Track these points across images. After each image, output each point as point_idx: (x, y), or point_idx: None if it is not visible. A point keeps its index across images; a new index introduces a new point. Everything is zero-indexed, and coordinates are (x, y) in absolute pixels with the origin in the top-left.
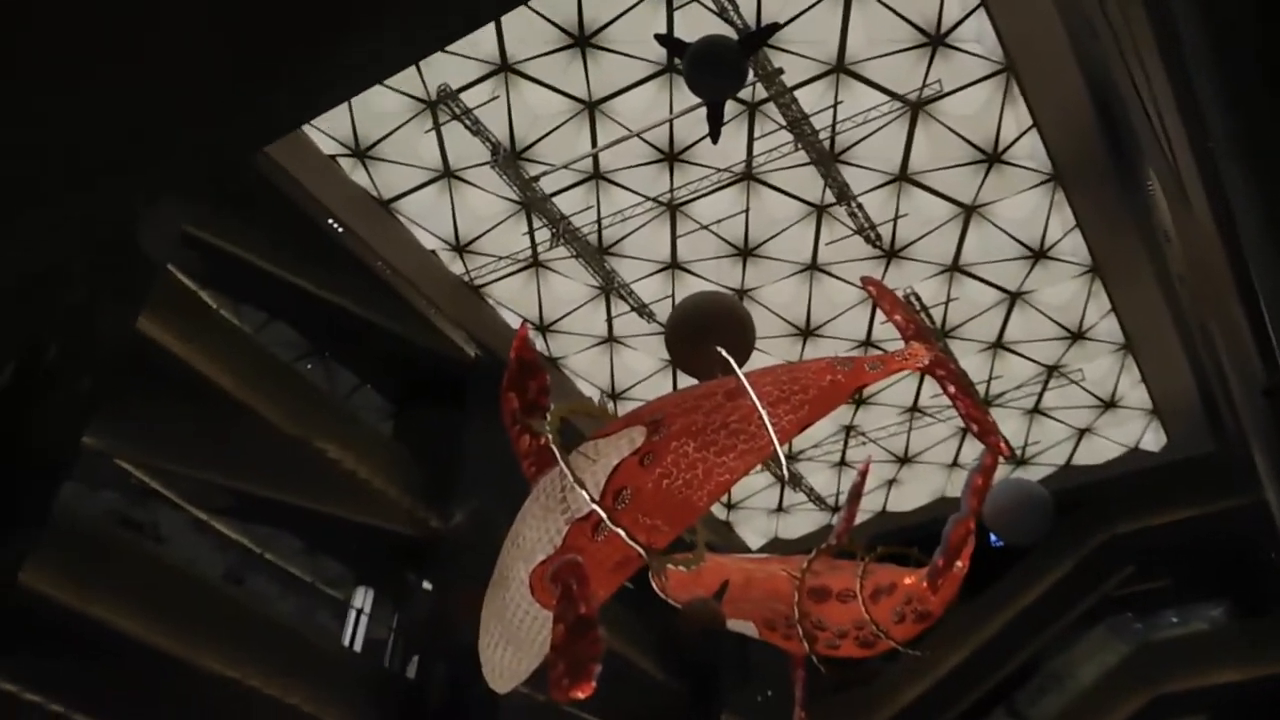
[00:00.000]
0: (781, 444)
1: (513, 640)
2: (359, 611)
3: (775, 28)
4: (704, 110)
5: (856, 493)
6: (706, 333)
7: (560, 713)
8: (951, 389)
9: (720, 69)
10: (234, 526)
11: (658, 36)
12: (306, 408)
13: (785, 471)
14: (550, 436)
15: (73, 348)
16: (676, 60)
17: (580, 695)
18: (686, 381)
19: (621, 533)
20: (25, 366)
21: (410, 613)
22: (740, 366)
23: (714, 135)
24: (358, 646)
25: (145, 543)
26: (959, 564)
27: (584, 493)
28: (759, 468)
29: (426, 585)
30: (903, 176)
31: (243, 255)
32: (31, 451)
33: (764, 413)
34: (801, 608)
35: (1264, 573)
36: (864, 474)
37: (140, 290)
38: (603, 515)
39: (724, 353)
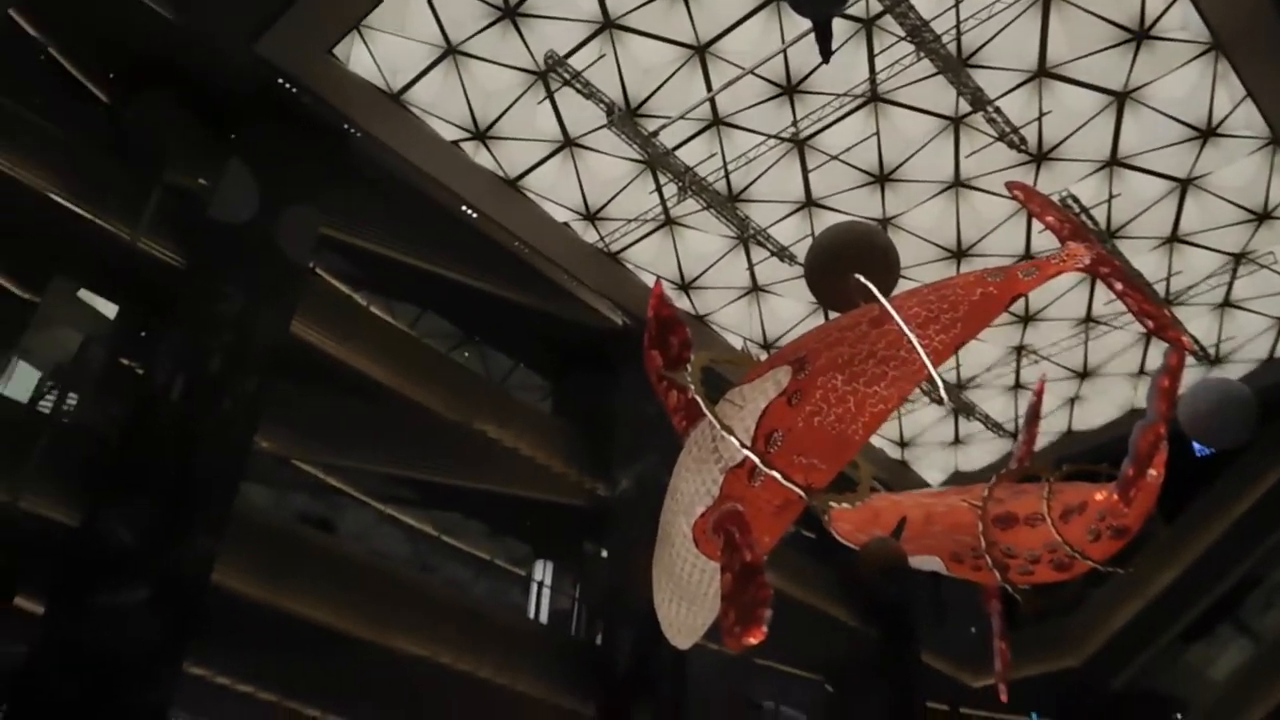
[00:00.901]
0: (936, 366)
1: (685, 595)
2: (540, 584)
3: None
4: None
5: (1034, 412)
6: (844, 263)
7: (752, 665)
8: (1119, 286)
9: None
10: (418, 516)
11: None
12: (463, 392)
13: (944, 395)
14: (693, 386)
15: (234, 355)
16: None
17: (752, 641)
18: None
19: (777, 475)
20: (193, 377)
21: (590, 581)
22: (886, 293)
23: (825, 55)
24: (543, 618)
25: (328, 537)
26: (1152, 473)
27: (733, 439)
28: (926, 399)
29: (603, 553)
30: (1041, 72)
31: (384, 252)
32: (208, 456)
33: (910, 334)
34: (987, 536)
35: None
36: (1039, 392)
37: (289, 293)
38: (755, 459)
39: (861, 278)
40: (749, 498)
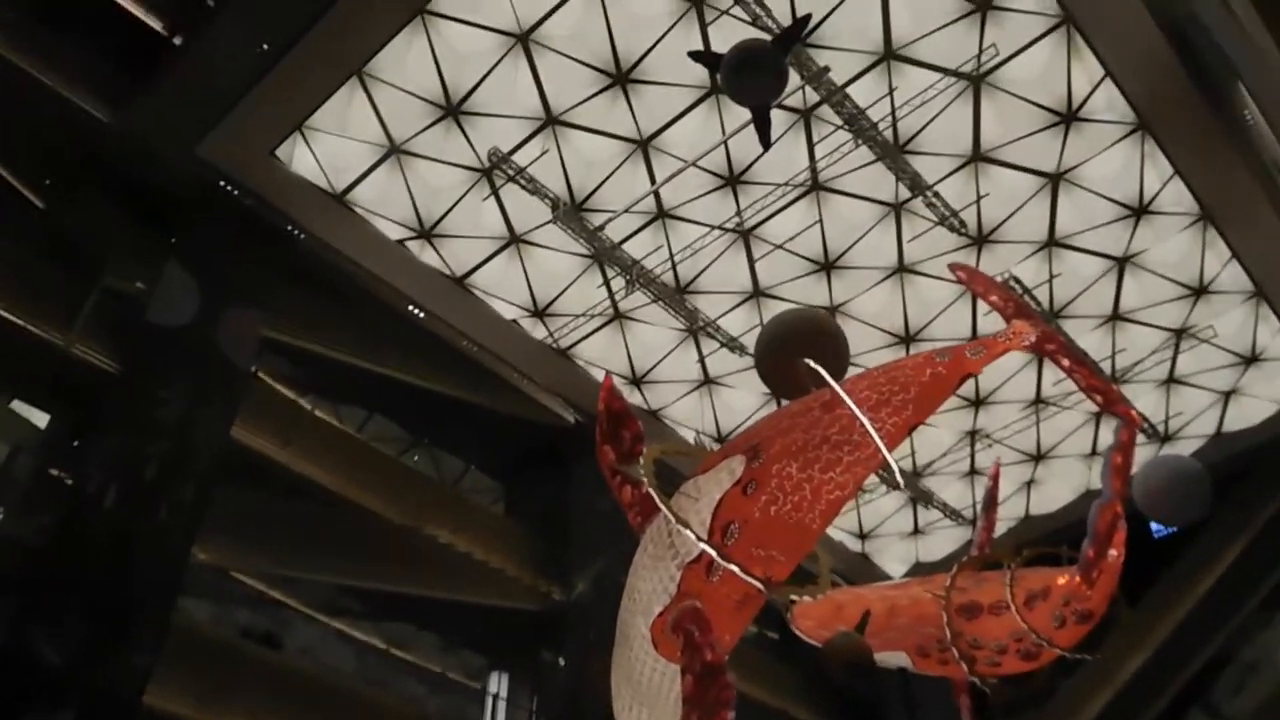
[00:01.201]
0: (890, 448)
1: (645, 700)
2: (495, 697)
3: (806, 20)
4: (749, 133)
5: (991, 498)
6: (793, 350)
7: None
8: (1065, 362)
9: (758, 71)
10: (367, 629)
11: (691, 54)
12: (412, 496)
13: (899, 479)
14: (647, 480)
15: (172, 461)
16: (717, 77)
17: None
18: None
19: (735, 568)
20: (127, 485)
21: (547, 692)
22: (836, 378)
23: (764, 143)
24: None
25: (271, 653)
26: (1112, 553)
27: (689, 533)
28: (883, 488)
29: (560, 661)
30: (977, 157)
31: (330, 354)
32: (142, 568)
33: (864, 418)
34: (952, 627)
35: None
36: (995, 477)
37: (230, 398)
38: (712, 553)
39: (811, 363)
40: (708, 594)
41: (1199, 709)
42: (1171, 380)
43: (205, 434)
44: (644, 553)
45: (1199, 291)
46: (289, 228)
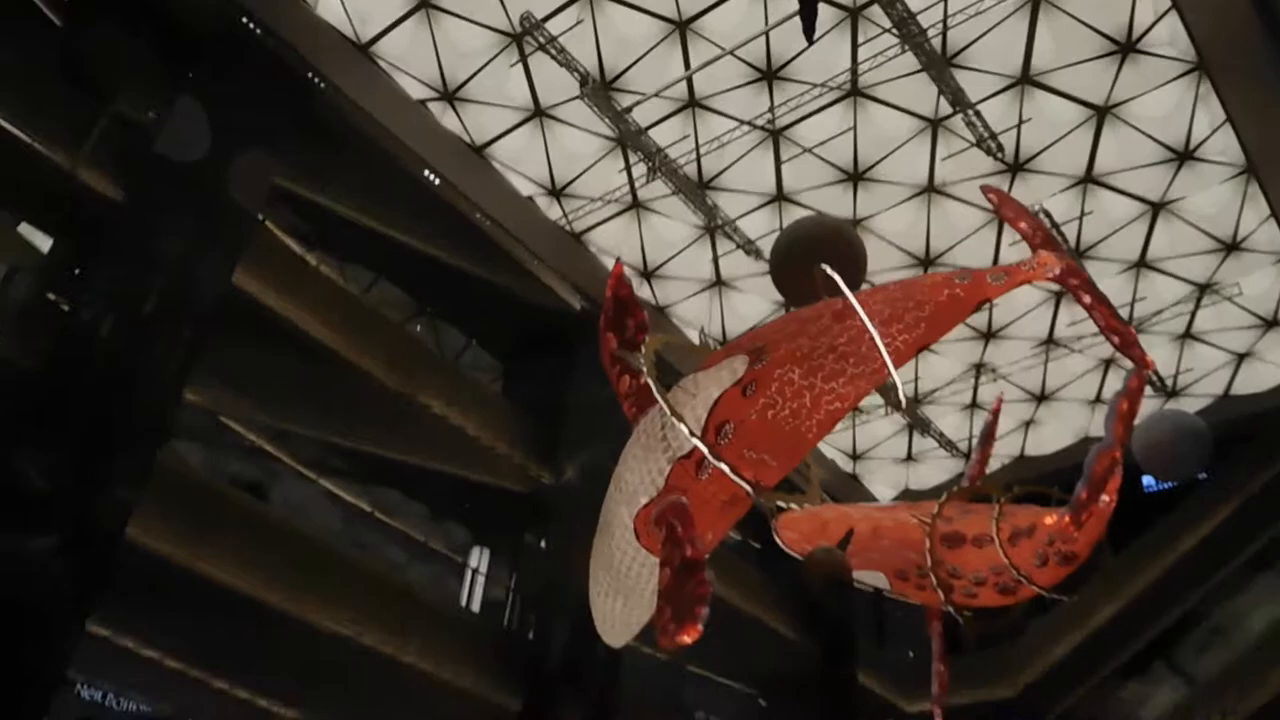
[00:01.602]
0: (897, 366)
1: (622, 590)
2: (474, 571)
3: None
4: (799, 23)
5: (989, 432)
6: (811, 255)
7: (686, 673)
8: (1087, 299)
9: None
10: (355, 492)
11: None
12: (410, 362)
13: (902, 397)
14: (646, 370)
15: (171, 299)
16: None
17: (686, 639)
18: None
19: (725, 468)
20: (124, 318)
21: (527, 572)
22: (852, 289)
23: (809, 33)
24: (476, 607)
25: (256, 502)
26: (1105, 498)
27: (682, 427)
28: (883, 408)
29: (543, 544)
30: (1025, 79)
31: (339, 210)
32: (134, 403)
33: (874, 331)
34: (934, 555)
35: None
36: (996, 411)
37: (235, 242)
38: (704, 450)
39: (828, 269)
40: (695, 491)
41: (1163, 663)
42: (1188, 335)
43: (206, 274)
44: (635, 443)
45: (1230, 247)
46: (309, 75)
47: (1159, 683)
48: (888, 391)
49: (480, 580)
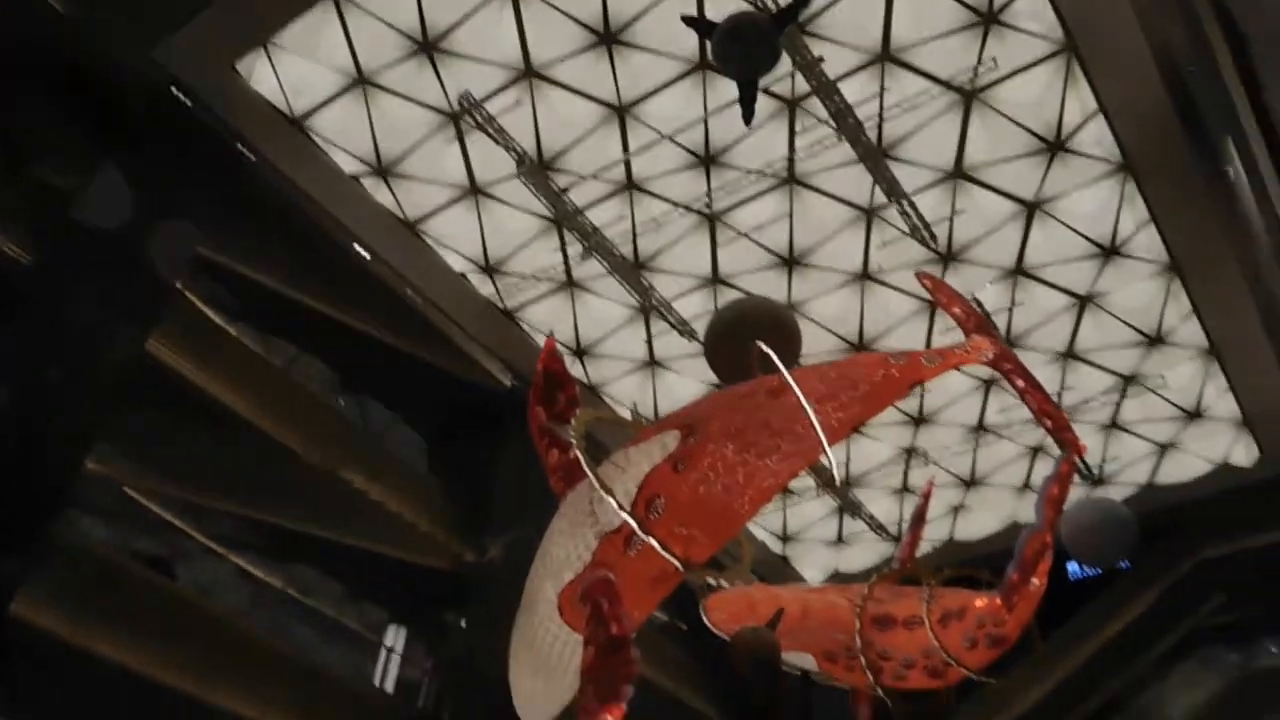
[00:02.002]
0: (831, 444)
1: (542, 669)
2: (390, 650)
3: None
4: (738, 110)
5: (920, 515)
6: (746, 333)
7: None
8: (1020, 383)
9: (751, 43)
10: (268, 570)
11: (685, 18)
12: (332, 436)
13: (835, 475)
14: (575, 442)
15: (77, 366)
16: (707, 46)
17: (609, 718)
18: None
19: (654, 543)
20: (25, 384)
21: (445, 652)
22: (787, 368)
23: (747, 117)
24: (390, 687)
25: (158, 578)
26: (1034, 581)
27: (611, 500)
28: (815, 489)
29: (462, 623)
30: (958, 173)
31: (265, 282)
32: (30, 470)
33: (809, 408)
34: (864, 636)
35: None
36: (927, 495)
37: (150, 310)
38: (633, 524)
39: (764, 346)
40: (623, 567)
41: None
42: (1113, 425)
43: (118, 342)
44: (562, 518)
45: (1154, 340)
46: (239, 146)
47: None
48: (820, 471)
49: (396, 660)
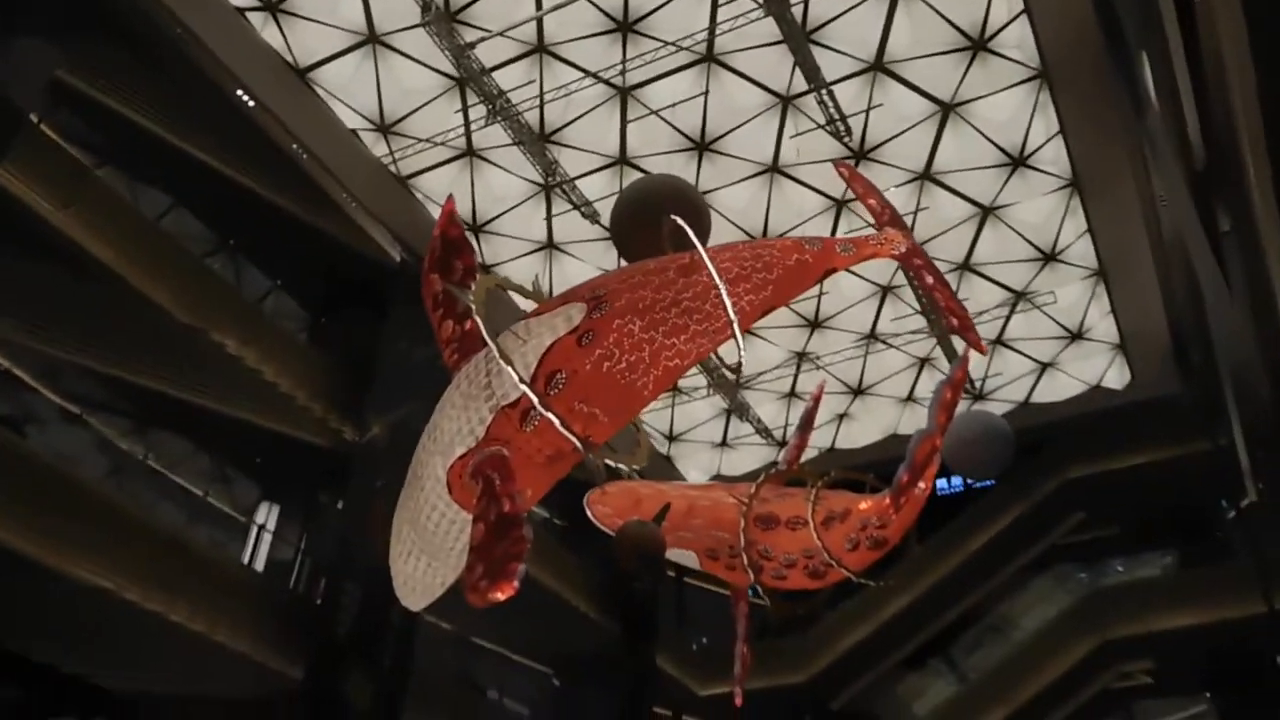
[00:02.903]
0: (742, 329)
1: (427, 548)
2: (261, 528)
3: None
4: None
5: (809, 418)
6: (658, 210)
7: (480, 649)
8: (930, 279)
9: None
10: (132, 439)
11: None
12: (204, 294)
13: (742, 357)
14: (475, 308)
15: None
16: None
17: (499, 596)
18: None
19: (553, 418)
20: None
21: (319, 532)
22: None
23: None
24: (260, 566)
25: (11, 437)
26: (921, 485)
27: (511, 371)
28: (702, 391)
29: (339, 504)
30: (878, 66)
31: (134, 119)
32: None
33: (723, 287)
34: (748, 535)
35: (1216, 522)
36: (817, 399)
37: (3, 138)
38: (532, 397)
39: (680, 221)
40: (518, 443)
41: (940, 659)
42: (999, 341)
43: None
44: (455, 390)
45: (1048, 257)
46: None
47: (934, 678)
48: (712, 371)
49: (267, 539)
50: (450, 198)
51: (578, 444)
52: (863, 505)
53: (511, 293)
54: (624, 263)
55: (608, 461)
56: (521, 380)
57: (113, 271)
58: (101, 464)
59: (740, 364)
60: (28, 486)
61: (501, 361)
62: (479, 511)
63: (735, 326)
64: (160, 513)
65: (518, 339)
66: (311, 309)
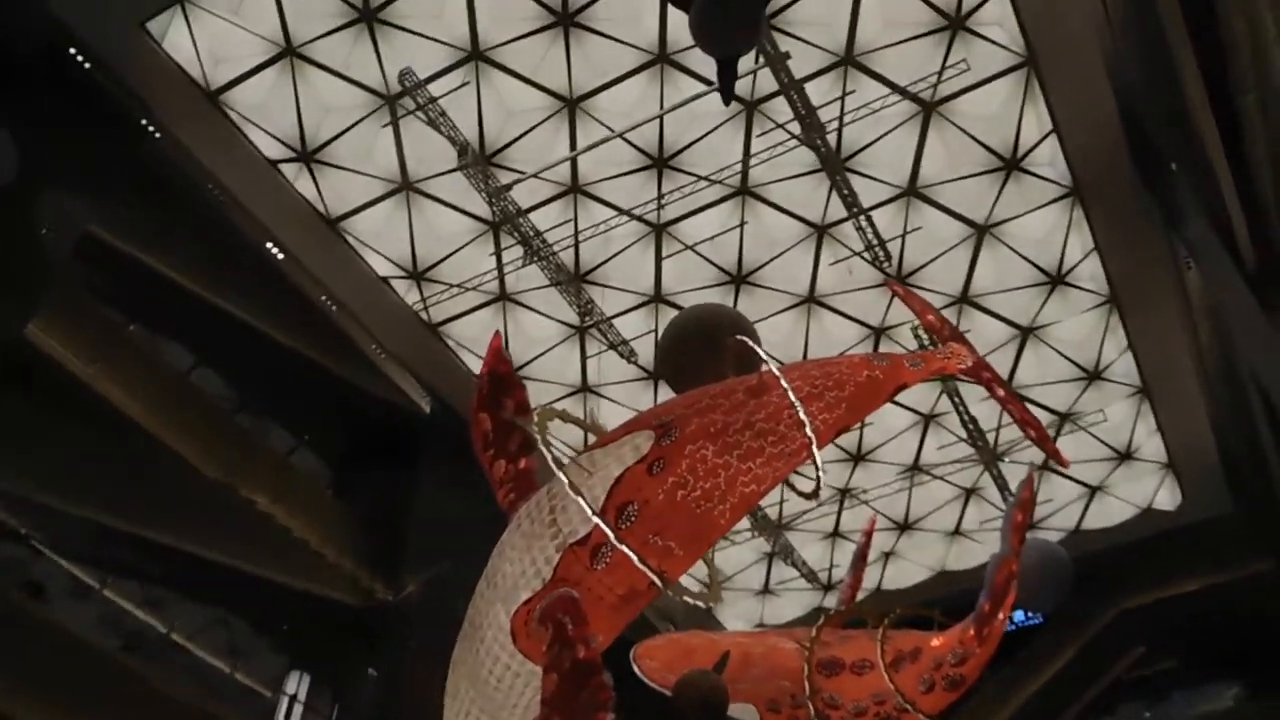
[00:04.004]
0: (819, 448)
1: (489, 706)
2: (292, 699)
3: None
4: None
5: (862, 554)
6: (714, 335)
7: None
8: (1001, 392)
9: (735, 14)
10: (150, 609)
11: None
12: (233, 449)
13: (821, 478)
14: (540, 438)
15: None
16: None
17: None
18: None
19: (629, 552)
20: None
21: (353, 699)
22: (750, 370)
23: (726, 94)
24: None
25: (29, 603)
26: (1000, 615)
27: (583, 503)
28: (747, 532)
29: (370, 670)
30: (912, 190)
31: (160, 270)
32: None
33: (799, 407)
34: (812, 682)
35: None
36: (869, 534)
37: (32, 291)
38: (607, 531)
39: (749, 341)
40: (588, 584)
41: None
42: (1046, 466)
43: None
44: (515, 531)
45: (1092, 376)
46: (143, 121)
47: None
48: (755, 517)
49: (299, 710)
50: (497, 334)
51: (656, 580)
52: (935, 642)
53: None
54: (671, 394)
55: (686, 598)
56: (594, 512)
57: (141, 427)
58: (117, 637)
59: (818, 487)
60: (43, 657)
61: (571, 493)
62: (550, 661)
63: (815, 446)
64: (182, 690)
65: (584, 471)
66: (338, 462)
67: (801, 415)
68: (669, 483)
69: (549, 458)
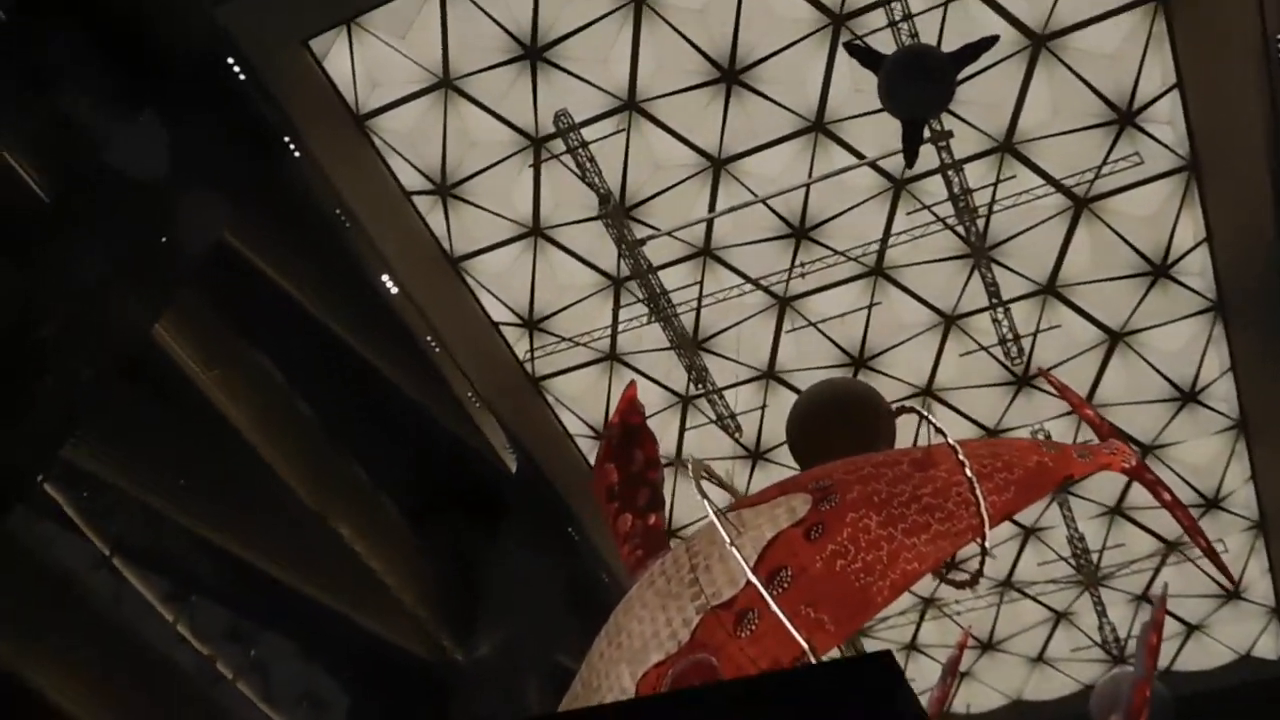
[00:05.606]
0: (989, 528)
1: None
2: None
3: (994, 40)
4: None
5: (953, 666)
6: (864, 406)
7: None
8: (1167, 496)
9: (929, 78)
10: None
11: (848, 45)
12: (325, 476)
13: (988, 557)
14: (696, 486)
15: (76, 330)
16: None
17: None
18: None
19: (783, 617)
20: (17, 335)
21: None
22: (877, 446)
23: (909, 156)
24: None
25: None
26: None
27: (739, 559)
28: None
29: None
30: (1050, 288)
31: (280, 285)
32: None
33: (975, 483)
34: None
35: None
36: (963, 646)
37: (157, 290)
38: (762, 590)
39: (923, 412)
40: (729, 651)
41: None
42: (1144, 598)
43: (123, 313)
44: (648, 588)
45: (1210, 504)
46: (286, 138)
47: None
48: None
49: None
50: (632, 383)
51: (808, 652)
52: None
53: None
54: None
55: None
56: (752, 572)
57: (244, 439)
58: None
59: (980, 574)
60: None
61: (722, 551)
62: None
63: (986, 526)
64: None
65: (732, 529)
66: (420, 507)
67: (978, 493)
68: (828, 550)
69: (710, 509)
